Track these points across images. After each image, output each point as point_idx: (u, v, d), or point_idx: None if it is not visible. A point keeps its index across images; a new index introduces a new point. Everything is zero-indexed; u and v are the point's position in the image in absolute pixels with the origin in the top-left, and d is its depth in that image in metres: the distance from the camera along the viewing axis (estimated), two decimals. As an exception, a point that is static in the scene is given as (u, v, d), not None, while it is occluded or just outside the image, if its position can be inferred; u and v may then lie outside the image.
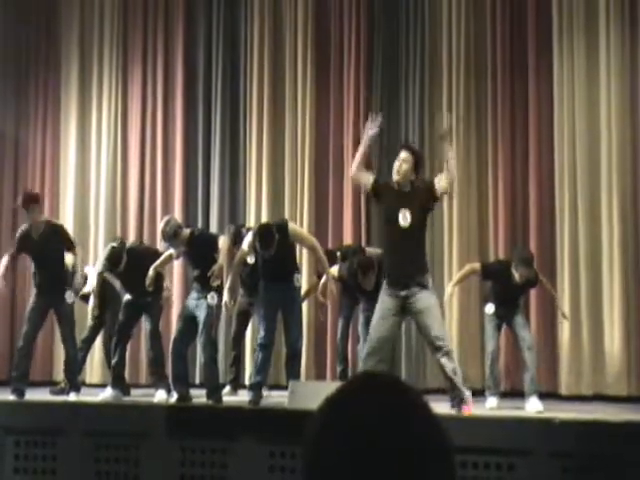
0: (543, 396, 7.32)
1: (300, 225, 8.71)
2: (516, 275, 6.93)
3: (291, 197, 9.09)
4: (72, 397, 7.37)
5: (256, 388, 6.94)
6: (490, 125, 8.56)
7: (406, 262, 5.89)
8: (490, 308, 7.30)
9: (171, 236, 7.10)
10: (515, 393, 7.87)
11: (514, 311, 7.17)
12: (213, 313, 7.11)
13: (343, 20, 9.15)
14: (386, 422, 1.11)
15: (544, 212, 8.30)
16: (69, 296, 7.48)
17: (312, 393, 5.69)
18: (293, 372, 6.93)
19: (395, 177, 6.03)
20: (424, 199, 5.98)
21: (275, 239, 6.79)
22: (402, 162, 6.02)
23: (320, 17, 9.28)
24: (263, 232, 6.85)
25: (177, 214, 9.30)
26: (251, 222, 8.90)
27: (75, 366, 7.66)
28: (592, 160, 8.13)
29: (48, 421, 5.56)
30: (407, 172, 6.00)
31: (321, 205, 9.06)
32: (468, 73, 8.66)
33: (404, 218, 5.89)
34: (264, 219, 8.76)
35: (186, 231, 7.27)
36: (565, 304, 8.01)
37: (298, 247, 7.64)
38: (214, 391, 7.06)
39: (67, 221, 9.68)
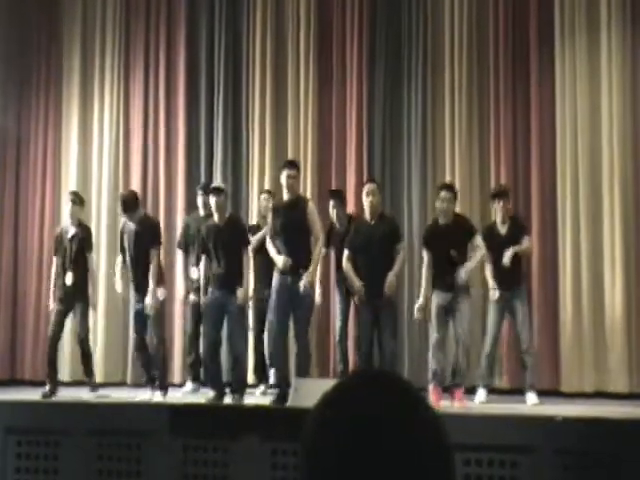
0: (545, 393, 7.33)
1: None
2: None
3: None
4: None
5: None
6: (492, 117, 8.54)
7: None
8: (494, 294, 7.37)
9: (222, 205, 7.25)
10: (515, 390, 7.88)
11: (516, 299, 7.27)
12: (244, 308, 7.20)
13: (345, 12, 9.13)
14: (385, 420, 1.09)
15: (546, 206, 8.28)
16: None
17: (315, 391, 5.67)
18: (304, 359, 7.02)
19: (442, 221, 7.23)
20: None
21: (299, 171, 7.32)
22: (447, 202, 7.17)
23: (322, 9, 9.25)
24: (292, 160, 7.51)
25: (179, 209, 9.29)
26: (253, 218, 8.89)
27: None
28: (594, 155, 8.11)
29: (50, 420, 5.56)
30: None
31: (324, 198, 9.03)
32: (470, 66, 8.64)
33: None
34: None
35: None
36: (567, 301, 8.00)
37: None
38: (240, 388, 7.09)
39: (68, 218, 9.66)
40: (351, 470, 1.07)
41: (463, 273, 7.01)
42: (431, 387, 6.98)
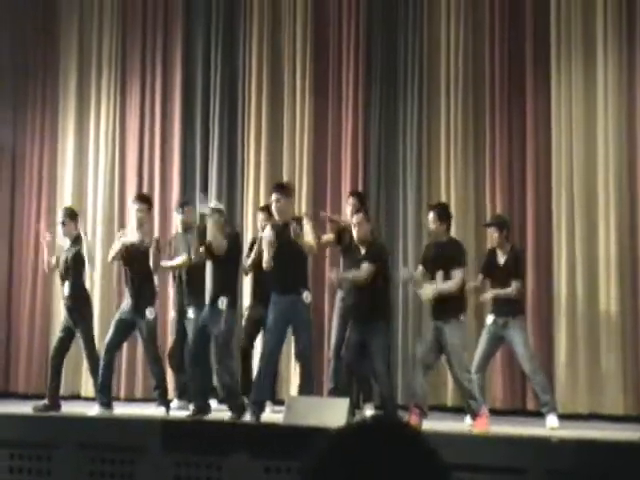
0: (539, 415, 7.31)
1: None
2: None
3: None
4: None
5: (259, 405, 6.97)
6: (488, 142, 8.52)
7: None
8: (489, 318, 7.31)
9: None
10: (507, 412, 7.88)
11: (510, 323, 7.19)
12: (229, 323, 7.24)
13: (342, 34, 9.14)
14: (392, 472, 1.05)
15: (541, 232, 8.27)
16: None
17: (308, 409, 5.66)
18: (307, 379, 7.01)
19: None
20: None
21: (288, 194, 7.14)
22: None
23: (319, 29, 9.28)
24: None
25: (174, 226, 9.29)
26: (248, 235, 8.88)
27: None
28: (589, 180, 8.10)
29: (43, 434, 5.54)
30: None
31: (319, 216, 9.03)
32: (466, 90, 8.65)
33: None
34: (261, 233, 8.75)
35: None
36: (562, 323, 8.00)
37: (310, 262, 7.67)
38: (235, 404, 7.09)
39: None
40: None
41: (429, 289, 6.78)
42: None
